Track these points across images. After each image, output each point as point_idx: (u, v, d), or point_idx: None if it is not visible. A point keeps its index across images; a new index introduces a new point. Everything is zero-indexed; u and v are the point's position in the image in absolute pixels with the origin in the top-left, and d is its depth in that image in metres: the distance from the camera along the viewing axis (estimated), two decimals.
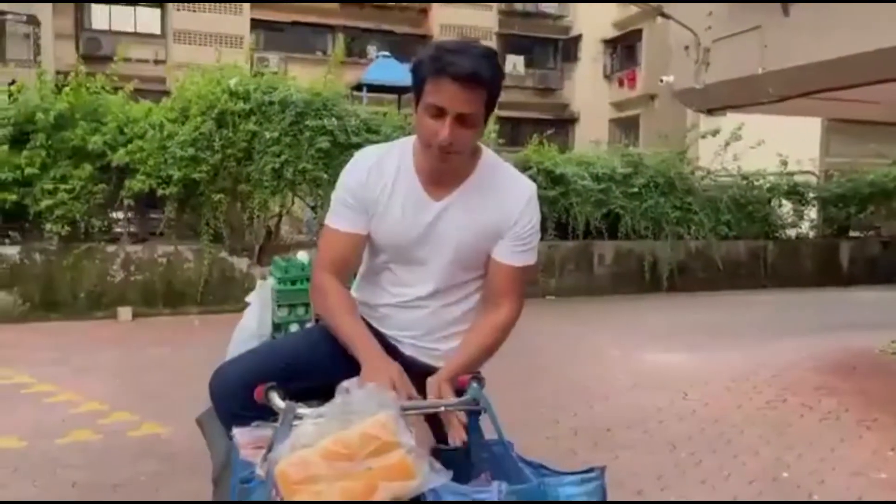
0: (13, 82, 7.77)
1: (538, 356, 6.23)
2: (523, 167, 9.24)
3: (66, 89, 7.64)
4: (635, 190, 9.82)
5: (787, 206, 11.60)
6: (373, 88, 12.57)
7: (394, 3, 21.02)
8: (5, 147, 7.27)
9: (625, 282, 9.95)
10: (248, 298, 2.51)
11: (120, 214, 8.03)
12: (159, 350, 6.30)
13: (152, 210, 8.21)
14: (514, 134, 17.72)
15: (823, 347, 6.29)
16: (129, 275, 7.84)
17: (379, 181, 1.75)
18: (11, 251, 7.57)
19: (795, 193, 11.52)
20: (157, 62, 17.34)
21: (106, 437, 4.06)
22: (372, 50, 20.45)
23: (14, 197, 7.34)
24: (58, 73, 8.01)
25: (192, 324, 7.45)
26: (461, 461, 1.50)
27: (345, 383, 1.34)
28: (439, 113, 1.60)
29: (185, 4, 19.07)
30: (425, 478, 1.22)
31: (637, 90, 20.87)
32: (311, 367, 1.61)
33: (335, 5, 20.38)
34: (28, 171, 7.31)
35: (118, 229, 8.09)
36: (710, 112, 6.68)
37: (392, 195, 1.75)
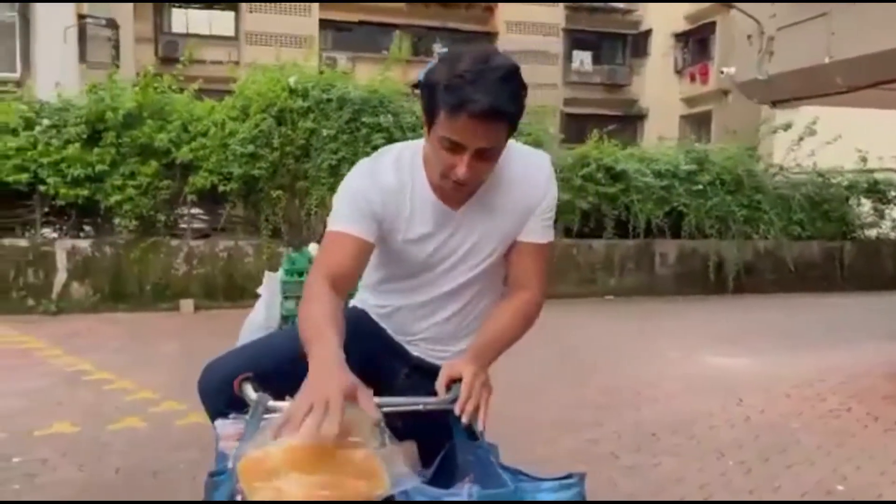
0: (94, 84, 8.11)
1: (589, 356, 6.10)
2: (581, 163, 9.08)
3: (136, 89, 7.93)
4: (700, 187, 9.47)
5: (866, 205, 10.99)
6: None
7: (460, 2, 21.01)
8: (78, 145, 7.60)
9: (688, 282, 9.63)
10: (258, 290, 2.52)
11: (184, 210, 8.27)
12: (216, 342, 6.39)
13: (214, 206, 8.42)
14: (579, 132, 17.45)
15: None
16: (191, 268, 8.08)
17: (399, 197, 1.63)
18: (84, 244, 7.92)
19: (876, 191, 10.89)
20: (230, 63, 17.86)
21: (153, 425, 4.18)
22: (437, 48, 20.50)
23: (86, 192, 7.67)
24: (137, 75, 8.36)
25: None
26: (448, 461, 1.44)
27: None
28: (456, 147, 1.47)
29: (257, 7, 19.58)
30: (394, 479, 1.18)
31: (709, 85, 20.19)
32: (304, 366, 1.58)
33: (402, 4, 20.53)
34: (99, 167, 7.63)
35: (182, 224, 8.34)
36: (775, 105, 6.36)
37: (413, 211, 1.63)
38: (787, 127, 9.86)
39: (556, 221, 1.78)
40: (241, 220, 8.37)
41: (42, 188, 7.61)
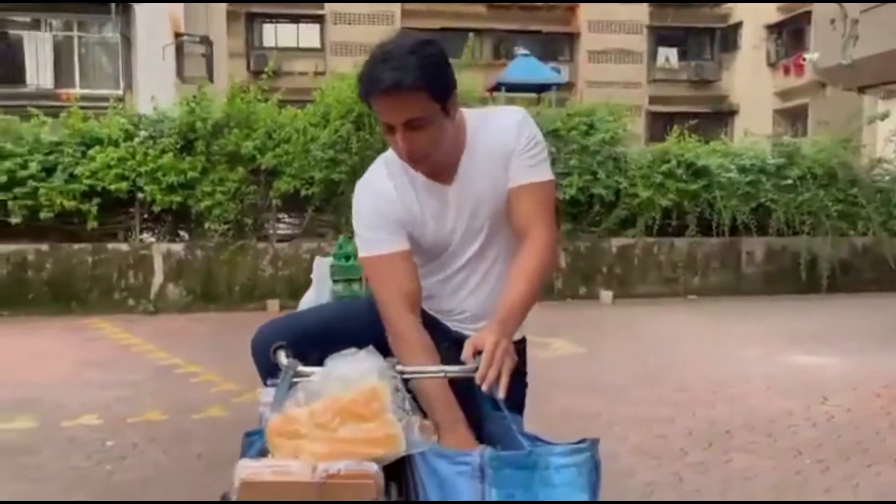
0: (194, 97, 8.58)
1: (667, 354, 5.97)
2: (662, 160, 8.88)
3: (224, 101, 8.35)
4: (789, 182, 9.06)
5: None
6: (511, 88, 12.59)
7: (541, 3, 20.94)
8: (172, 154, 8.07)
9: (778, 281, 9.23)
10: (312, 276, 2.64)
11: (269, 214, 8.62)
12: None
13: (298, 210, 8.73)
14: (667, 130, 17.03)
15: None
16: (277, 270, 8.42)
17: (407, 202, 1.73)
18: (178, 248, 8.39)
19: None
20: (316, 73, 18.46)
21: (234, 415, 4.39)
22: (519, 51, 20.51)
23: (180, 199, 8.13)
24: (232, 85, 8.86)
25: None
26: (475, 430, 1.49)
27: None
28: (390, 127, 1.60)
29: (342, 19, 20.17)
30: (409, 444, 1.24)
31: (805, 77, 19.28)
32: (349, 333, 1.66)
33: (482, 9, 20.65)
34: (190, 174, 8.07)
35: (268, 228, 8.69)
36: (861, 90, 6.04)
37: (422, 208, 1.74)
38: (885, 116, 9.29)
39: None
40: (324, 224, 8.65)
41: (140, 195, 8.12)
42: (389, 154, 1.75)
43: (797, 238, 9.14)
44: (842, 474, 3.36)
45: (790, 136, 12.58)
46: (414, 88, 1.53)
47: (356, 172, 8.13)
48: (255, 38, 21.14)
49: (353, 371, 1.31)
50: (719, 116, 20.93)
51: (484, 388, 1.38)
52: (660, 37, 21.29)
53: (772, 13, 20.70)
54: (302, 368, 1.38)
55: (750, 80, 20.86)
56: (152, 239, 8.53)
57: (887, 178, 9.67)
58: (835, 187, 9.23)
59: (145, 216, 8.45)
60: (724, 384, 4.99)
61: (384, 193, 1.72)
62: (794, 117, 19.69)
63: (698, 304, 8.68)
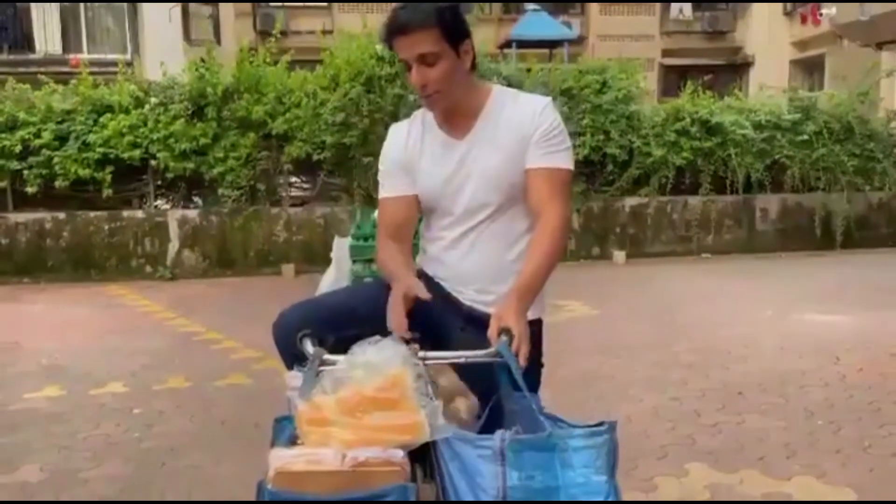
0: (203, 60, 8.54)
1: (681, 314, 6.02)
2: (675, 117, 8.79)
3: (233, 65, 8.31)
4: (805, 137, 8.95)
5: None
6: (523, 45, 12.41)
7: None
8: (183, 120, 8.08)
9: (792, 238, 9.20)
10: (332, 255, 2.68)
11: (281, 179, 8.64)
12: None
13: (310, 174, 8.75)
14: (681, 84, 16.75)
15: None
16: (291, 235, 8.48)
17: (410, 143, 1.92)
18: (193, 214, 8.45)
19: None
20: (324, 32, 18.21)
21: (256, 381, 4.50)
22: (529, 5, 20.13)
23: (192, 165, 8.16)
24: (241, 50, 8.78)
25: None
26: (496, 411, 1.54)
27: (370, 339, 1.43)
28: (408, 66, 1.78)
29: None
30: (434, 430, 1.29)
31: (822, 26, 18.82)
32: (368, 316, 1.71)
33: None
34: (202, 141, 8.09)
35: (281, 192, 8.72)
36: (879, 46, 5.91)
37: (423, 150, 1.91)
38: None
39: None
40: (336, 188, 8.67)
41: (153, 163, 8.16)
42: (420, 109, 1.95)
43: (812, 194, 9.09)
44: (853, 435, 3.41)
45: (806, 90, 12.36)
46: (426, 26, 1.73)
47: (367, 136, 8.14)
48: None
49: (377, 359, 1.36)
50: (734, 69, 20.53)
51: (522, 362, 1.46)
52: None
53: None
54: (328, 357, 1.43)
55: (765, 31, 20.37)
56: (167, 206, 8.60)
57: None
58: (851, 142, 9.12)
59: (159, 183, 8.51)
60: (738, 344, 5.03)
61: (395, 140, 1.95)
62: (810, 68, 19.29)
63: (712, 263, 8.69)
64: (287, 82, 8.31)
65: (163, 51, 10.48)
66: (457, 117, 1.86)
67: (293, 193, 8.79)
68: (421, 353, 1.39)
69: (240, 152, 8.16)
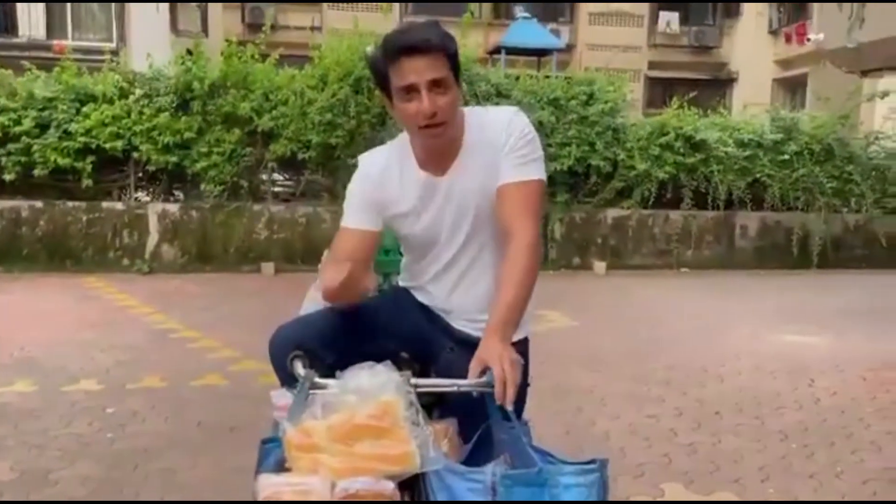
0: (189, 52, 8.45)
1: (658, 329, 6.06)
2: (660, 132, 8.86)
3: (219, 58, 8.23)
4: (786, 157, 9.07)
5: None
6: (512, 52, 12.43)
7: None
8: (168, 113, 7.99)
9: (770, 256, 9.31)
10: (319, 266, 2.64)
11: (265, 176, 8.57)
12: (294, 305, 6.74)
13: (294, 173, 8.69)
14: (666, 97, 16.89)
15: None
16: (272, 233, 8.42)
17: (391, 182, 1.81)
18: (174, 208, 8.36)
19: None
20: (313, 29, 18.10)
21: (233, 383, 4.46)
22: (519, 11, 20.19)
23: (175, 159, 8.08)
24: (227, 42, 8.67)
25: None
26: (485, 440, 1.54)
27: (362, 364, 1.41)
28: (412, 91, 1.63)
29: None
30: (424, 461, 1.28)
31: (807, 46, 19.07)
32: (371, 335, 1.69)
33: None
34: (186, 135, 8.01)
35: (264, 189, 8.65)
36: (865, 74, 6.02)
37: (404, 191, 1.79)
38: (885, 94, 9.26)
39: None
40: (320, 187, 8.62)
41: (135, 154, 8.06)
42: (394, 142, 1.85)
43: (791, 213, 9.20)
44: (827, 460, 3.46)
45: (788, 108, 12.50)
46: (440, 48, 1.63)
47: (353, 136, 8.11)
48: None
49: (368, 384, 1.35)
50: (718, 84, 20.75)
51: (508, 406, 1.41)
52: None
53: None
54: (318, 380, 1.42)
55: (750, 48, 20.63)
56: (147, 198, 8.50)
57: (883, 155, 9.69)
58: (831, 164, 9.25)
59: (140, 175, 8.41)
60: (714, 362, 5.08)
61: (368, 174, 1.83)
62: (793, 87, 19.55)
63: (691, 277, 8.77)
64: (275, 79, 8.25)
65: (149, 41, 10.36)
66: (441, 154, 1.76)
67: (276, 191, 8.73)
68: (413, 381, 1.38)
69: (224, 148, 8.08)
